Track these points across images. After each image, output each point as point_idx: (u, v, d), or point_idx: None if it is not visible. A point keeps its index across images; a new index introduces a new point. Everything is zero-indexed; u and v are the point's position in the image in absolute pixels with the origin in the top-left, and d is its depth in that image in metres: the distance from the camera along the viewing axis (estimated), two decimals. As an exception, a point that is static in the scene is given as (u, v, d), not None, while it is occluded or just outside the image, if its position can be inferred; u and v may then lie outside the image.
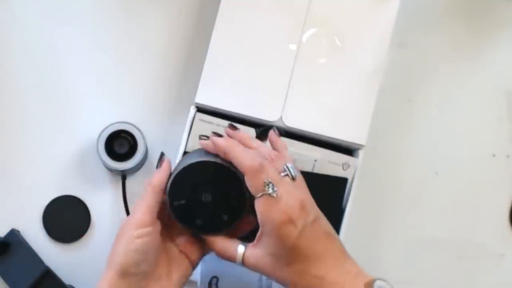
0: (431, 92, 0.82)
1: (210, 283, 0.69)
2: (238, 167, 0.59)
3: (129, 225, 0.59)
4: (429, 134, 0.82)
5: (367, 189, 0.77)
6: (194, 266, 0.63)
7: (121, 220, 0.76)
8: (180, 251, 0.63)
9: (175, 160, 0.70)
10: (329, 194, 0.70)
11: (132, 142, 0.75)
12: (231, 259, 0.60)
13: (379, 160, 0.80)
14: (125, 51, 0.80)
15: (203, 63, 0.72)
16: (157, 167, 0.62)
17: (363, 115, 0.72)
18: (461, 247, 0.81)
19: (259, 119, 0.71)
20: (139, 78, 0.80)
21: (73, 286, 0.75)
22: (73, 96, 0.79)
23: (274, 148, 0.64)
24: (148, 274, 0.59)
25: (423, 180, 0.81)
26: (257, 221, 0.59)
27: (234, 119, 0.71)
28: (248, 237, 0.62)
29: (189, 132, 0.71)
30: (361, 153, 0.72)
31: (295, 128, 0.71)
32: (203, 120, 0.71)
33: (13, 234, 0.75)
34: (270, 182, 0.57)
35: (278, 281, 0.59)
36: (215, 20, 0.72)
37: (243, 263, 0.60)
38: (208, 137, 0.62)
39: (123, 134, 0.75)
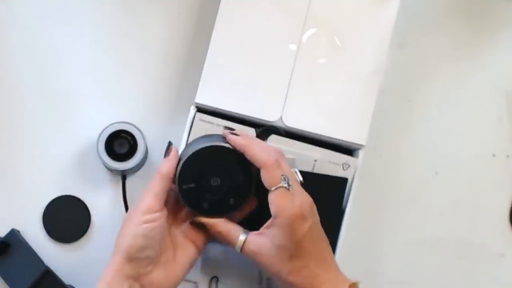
0: (431, 92, 0.82)
1: (210, 283, 0.69)
2: (255, 161, 0.61)
3: (137, 211, 0.61)
4: (429, 134, 0.82)
5: (367, 189, 0.77)
6: (199, 253, 0.65)
7: (121, 220, 0.77)
8: (186, 237, 0.64)
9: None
10: (329, 194, 0.70)
11: (132, 142, 0.75)
12: (230, 243, 0.63)
13: (379, 160, 0.80)
14: (125, 51, 0.80)
15: (203, 63, 0.72)
16: (165, 156, 0.64)
17: (363, 115, 0.72)
18: (461, 247, 0.81)
19: (259, 119, 0.71)
20: (139, 78, 0.80)
21: (73, 286, 0.75)
22: (73, 96, 0.79)
23: None
24: (154, 259, 0.61)
25: (423, 180, 0.81)
26: (256, 204, 0.65)
27: (234, 119, 0.71)
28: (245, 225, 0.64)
29: (189, 132, 0.71)
30: (361, 153, 0.72)
31: (295, 128, 0.71)
32: (203, 120, 0.71)
33: (13, 234, 0.75)
34: (287, 177, 0.60)
35: (273, 272, 0.61)
36: (215, 20, 0.72)
37: (241, 249, 0.62)
38: (231, 129, 0.66)
39: (123, 134, 0.75)
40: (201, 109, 0.72)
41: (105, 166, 0.76)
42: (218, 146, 0.64)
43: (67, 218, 0.77)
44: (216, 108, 0.71)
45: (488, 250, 0.81)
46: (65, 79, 0.79)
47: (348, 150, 0.73)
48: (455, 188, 0.81)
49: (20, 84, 0.79)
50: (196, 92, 0.71)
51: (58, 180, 0.78)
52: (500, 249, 0.81)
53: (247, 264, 0.64)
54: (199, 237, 0.65)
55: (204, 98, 0.71)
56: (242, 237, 0.62)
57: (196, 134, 0.70)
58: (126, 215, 0.63)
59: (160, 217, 0.61)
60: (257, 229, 0.63)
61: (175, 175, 0.64)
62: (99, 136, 0.74)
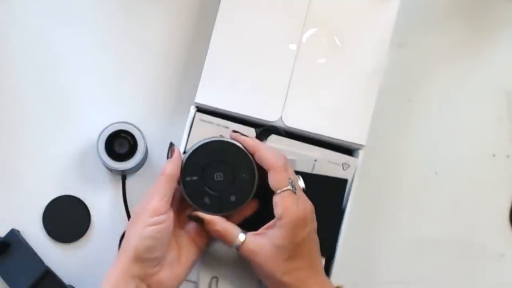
0: (431, 92, 0.82)
1: (210, 283, 0.69)
2: (265, 162, 0.63)
3: (144, 213, 0.61)
4: (429, 134, 0.82)
5: (367, 189, 0.77)
6: (201, 254, 0.66)
7: (121, 220, 0.77)
8: (189, 238, 0.65)
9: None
10: (329, 195, 0.70)
11: (132, 142, 0.75)
12: (228, 241, 0.63)
13: (379, 160, 0.80)
14: (125, 51, 0.80)
15: (203, 63, 0.72)
16: (167, 157, 0.65)
17: (363, 115, 0.72)
18: (461, 247, 0.81)
19: (259, 119, 0.71)
20: (139, 78, 0.80)
21: (73, 286, 0.75)
22: (73, 96, 0.79)
23: None
24: (161, 259, 0.62)
25: (423, 180, 0.81)
26: (257, 207, 0.66)
27: (234, 119, 0.71)
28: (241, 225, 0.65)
29: (189, 132, 0.71)
30: (361, 153, 0.72)
31: (295, 128, 0.71)
32: (203, 120, 0.71)
33: (13, 234, 0.75)
34: (293, 181, 0.63)
35: (268, 272, 0.62)
36: (215, 20, 0.72)
37: (239, 248, 0.63)
38: (239, 132, 0.67)
39: (123, 134, 0.75)
40: (201, 109, 0.72)
41: (105, 166, 0.76)
42: (226, 142, 0.65)
43: (67, 218, 0.77)
44: (216, 108, 0.71)
45: (488, 250, 0.81)
46: (65, 79, 0.79)
47: (348, 150, 0.73)
48: (455, 188, 0.81)
49: (20, 84, 0.79)
50: (196, 92, 0.71)
51: (58, 180, 0.78)
52: (500, 249, 0.81)
53: (247, 264, 0.64)
54: (202, 238, 0.66)
55: (204, 98, 0.71)
56: (241, 236, 0.63)
57: (196, 134, 0.70)
58: (132, 217, 0.63)
59: (167, 218, 0.62)
60: (253, 230, 0.64)
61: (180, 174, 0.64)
62: (99, 136, 0.74)
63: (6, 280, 0.74)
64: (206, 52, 0.72)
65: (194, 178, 0.64)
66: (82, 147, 0.78)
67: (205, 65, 0.72)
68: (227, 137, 0.66)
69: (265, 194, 0.64)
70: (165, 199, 0.62)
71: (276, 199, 0.62)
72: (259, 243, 0.62)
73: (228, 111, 0.71)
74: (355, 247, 0.78)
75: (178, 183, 0.64)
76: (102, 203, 0.78)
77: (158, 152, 0.79)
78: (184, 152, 0.66)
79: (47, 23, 0.80)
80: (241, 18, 0.73)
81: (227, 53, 0.72)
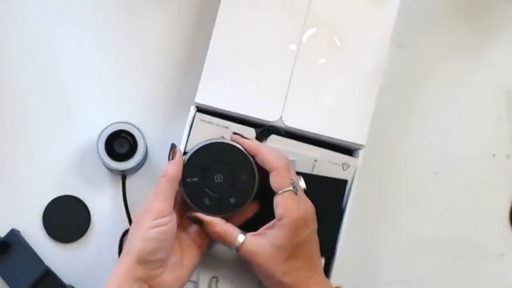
0: (431, 92, 0.82)
1: (210, 283, 0.69)
2: (267, 163, 0.63)
3: (148, 215, 0.61)
4: (429, 134, 0.82)
5: (367, 189, 0.77)
6: (203, 255, 0.66)
7: (121, 220, 0.77)
8: (191, 240, 0.65)
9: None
10: (329, 195, 0.70)
11: (132, 142, 0.75)
12: (227, 243, 0.63)
13: (379, 160, 0.80)
14: (125, 51, 0.80)
15: (203, 63, 0.72)
16: (169, 158, 0.65)
17: (363, 115, 0.72)
18: (461, 247, 0.81)
19: (259, 119, 0.71)
20: (139, 78, 0.80)
21: (73, 286, 0.75)
22: (73, 96, 0.79)
23: None
24: (164, 262, 0.62)
25: (423, 180, 0.81)
26: (257, 209, 0.66)
27: (234, 119, 0.71)
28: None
29: (189, 132, 0.71)
30: (361, 153, 0.72)
31: (295, 128, 0.71)
32: (203, 120, 0.71)
33: (13, 234, 0.75)
34: (294, 182, 0.63)
35: (268, 272, 0.62)
36: (215, 20, 0.72)
37: (238, 249, 0.63)
38: (239, 134, 0.67)
39: (123, 134, 0.75)
40: (201, 109, 0.72)
41: (105, 166, 0.76)
42: (227, 143, 0.65)
43: (67, 218, 0.77)
44: (216, 108, 0.71)
45: (488, 250, 0.81)
46: (65, 79, 0.79)
47: (348, 150, 0.73)
48: (455, 188, 0.81)
49: (20, 84, 0.79)
50: (196, 92, 0.71)
51: (58, 180, 0.78)
52: (500, 249, 0.81)
53: (247, 265, 0.65)
54: (203, 241, 0.66)
55: (204, 98, 0.71)
56: (240, 237, 0.63)
57: (196, 134, 0.70)
58: (135, 219, 0.63)
59: (170, 220, 0.62)
60: (253, 231, 0.64)
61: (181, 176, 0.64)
62: (99, 136, 0.74)
63: (6, 280, 0.74)
64: (206, 52, 0.72)
65: (195, 179, 0.64)
66: (82, 147, 0.78)
67: (205, 65, 0.72)
68: (228, 139, 0.66)
69: (265, 195, 0.64)
70: (168, 200, 0.62)
71: (277, 200, 0.62)
72: (258, 243, 0.62)
73: (228, 111, 0.71)
74: (355, 247, 0.78)
75: (179, 184, 0.64)
76: (102, 203, 0.78)
77: (158, 152, 0.79)
78: (185, 153, 0.66)
79: (47, 23, 0.80)
80: (241, 18, 0.73)
81: (227, 53, 0.72)
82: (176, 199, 0.64)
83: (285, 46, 0.73)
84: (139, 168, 0.78)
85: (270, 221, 0.63)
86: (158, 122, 0.79)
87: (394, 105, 0.81)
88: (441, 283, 0.80)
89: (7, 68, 0.79)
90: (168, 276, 0.62)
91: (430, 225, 0.81)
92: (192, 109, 0.72)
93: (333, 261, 0.69)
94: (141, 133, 0.75)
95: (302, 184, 0.65)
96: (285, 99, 0.72)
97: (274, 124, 0.71)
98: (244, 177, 0.64)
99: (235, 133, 0.67)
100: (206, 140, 0.66)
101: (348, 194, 0.71)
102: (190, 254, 0.65)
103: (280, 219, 0.61)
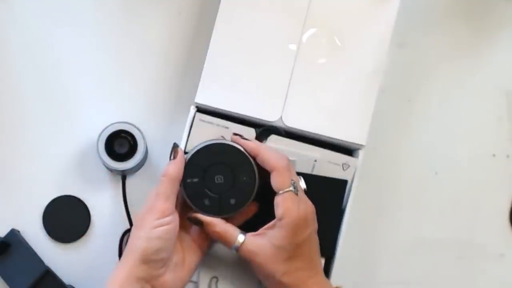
0: (431, 92, 0.82)
1: (210, 283, 0.69)
2: (268, 164, 0.63)
3: (150, 214, 0.61)
4: (429, 134, 0.82)
5: (367, 189, 0.77)
6: (204, 255, 0.66)
7: (121, 220, 0.77)
8: (193, 240, 0.66)
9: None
10: (329, 196, 0.70)
11: (132, 142, 0.75)
12: (227, 243, 0.63)
13: (379, 160, 0.80)
14: (125, 51, 0.80)
15: (203, 63, 0.72)
16: (170, 157, 0.65)
17: (363, 115, 0.72)
18: (461, 247, 0.81)
19: (259, 119, 0.71)
20: (139, 78, 0.80)
21: (73, 286, 0.75)
22: (73, 96, 0.79)
23: None
24: (166, 261, 0.62)
25: (423, 180, 0.81)
26: (257, 210, 0.66)
27: (234, 119, 0.71)
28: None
29: (189, 132, 0.71)
30: (361, 153, 0.72)
31: (295, 128, 0.71)
32: (203, 120, 0.71)
33: (13, 234, 0.75)
34: (295, 182, 0.63)
35: (267, 272, 0.62)
36: (215, 20, 0.72)
37: (238, 249, 0.63)
38: (240, 135, 0.67)
39: (123, 134, 0.75)
40: (201, 109, 0.72)
41: (105, 166, 0.76)
42: (227, 144, 0.65)
43: (67, 218, 0.77)
44: (216, 108, 0.71)
45: (488, 250, 0.81)
46: (65, 79, 0.79)
47: (348, 150, 0.73)
48: (455, 188, 0.81)
49: (20, 84, 0.79)
50: (196, 92, 0.71)
51: (58, 180, 0.78)
52: (500, 249, 0.81)
53: (247, 265, 0.65)
54: (204, 241, 0.66)
55: (204, 98, 0.71)
56: (240, 237, 0.63)
57: (196, 134, 0.70)
58: (136, 220, 0.63)
59: (173, 220, 0.62)
60: (253, 231, 0.64)
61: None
62: (99, 136, 0.74)
63: (6, 280, 0.74)
64: (206, 52, 0.72)
65: (195, 180, 0.65)
66: (82, 147, 0.78)
67: (205, 65, 0.72)
68: (228, 140, 0.66)
69: (266, 195, 0.64)
70: (170, 200, 0.62)
71: (277, 200, 0.62)
72: (258, 243, 0.62)
73: (228, 111, 0.71)
74: (355, 247, 0.78)
75: (181, 185, 0.64)
76: (102, 203, 0.78)
77: (158, 152, 0.79)
78: (185, 153, 0.66)
79: (47, 23, 0.80)
80: (241, 18, 0.73)
81: (227, 53, 0.72)
82: (177, 199, 0.64)
83: (285, 46, 0.73)
84: (139, 168, 0.78)
85: (270, 221, 0.63)
86: (158, 122, 0.79)
87: (394, 105, 0.81)
88: (441, 283, 0.80)
89: (7, 68, 0.79)
90: (169, 276, 0.62)
91: (430, 225, 0.81)
92: (192, 109, 0.71)
93: (333, 261, 0.69)
94: (141, 133, 0.75)
95: (302, 184, 0.65)
96: (285, 99, 0.72)
97: (274, 124, 0.71)
98: (244, 178, 0.65)
99: (235, 134, 0.67)
100: (207, 141, 0.66)
101: (348, 194, 0.71)
102: (191, 254, 0.65)
103: (280, 219, 0.61)
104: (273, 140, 0.70)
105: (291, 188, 0.62)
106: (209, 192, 0.65)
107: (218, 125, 0.71)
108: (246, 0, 0.73)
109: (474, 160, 0.82)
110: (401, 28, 0.76)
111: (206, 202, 0.64)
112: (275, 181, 0.63)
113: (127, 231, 0.77)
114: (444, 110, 0.82)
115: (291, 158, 0.68)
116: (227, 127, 0.70)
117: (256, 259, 0.62)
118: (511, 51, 0.84)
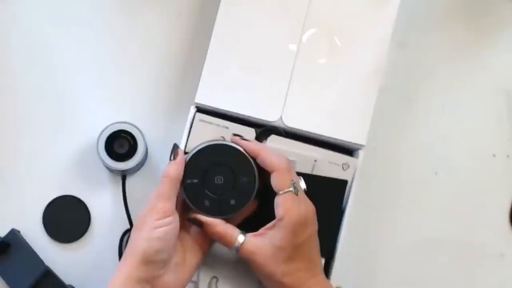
0: (431, 92, 0.82)
1: (210, 283, 0.69)
2: (268, 164, 0.63)
3: (151, 215, 0.61)
4: (429, 134, 0.82)
5: (367, 189, 0.76)
6: (205, 255, 0.66)
7: (121, 220, 0.77)
8: (193, 240, 0.66)
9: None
10: (329, 196, 0.70)
11: (132, 142, 0.75)
12: (227, 243, 0.63)
13: (379, 160, 0.80)
14: (125, 51, 0.80)
15: (203, 63, 0.72)
16: (170, 158, 0.65)
17: (363, 115, 0.72)
18: (461, 247, 0.81)
19: (259, 119, 0.71)
20: (139, 78, 0.80)
21: (73, 286, 0.75)
22: (73, 96, 0.79)
23: None
24: (167, 262, 0.62)
25: (423, 180, 0.81)
26: (256, 207, 0.66)
27: (234, 119, 0.71)
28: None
29: (189, 132, 0.71)
30: (361, 153, 0.72)
31: (295, 128, 0.71)
32: (203, 120, 0.71)
33: (13, 234, 0.75)
34: (295, 183, 0.63)
35: (267, 273, 0.62)
36: (215, 20, 0.72)
37: (238, 250, 0.63)
38: (240, 136, 0.67)
39: (123, 134, 0.75)
40: (201, 109, 0.72)
41: (105, 166, 0.76)
42: (228, 145, 0.65)
43: (67, 218, 0.77)
44: (216, 108, 0.71)
45: (488, 250, 0.81)
46: (65, 79, 0.79)
47: (348, 150, 0.73)
48: (455, 188, 0.81)
49: (20, 84, 0.79)
50: (196, 92, 0.71)
51: (58, 180, 0.78)
52: (500, 249, 0.81)
53: (247, 265, 0.65)
54: (205, 241, 0.66)
55: (204, 98, 0.71)
56: (241, 238, 0.63)
57: (196, 134, 0.70)
58: (137, 220, 0.63)
59: (174, 220, 0.62)
60: (253, 231, 0.64)
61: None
62: (99, 136, 0.74)
63: (6, 280, 0.74)
64: (206, 52, 0.72)
65: (195, 180, 0.65)
66: (82, 147, 0.78)
67: (205, 65, 0.72)
68: (228, 140, 0.67)
69: (266, 195, 0.64)
70: (170, 200, 0.62)
71: (277, 200, 0.62)
72: (258, 244, 0.62)
73: (228, 111, 0.71)
74: (355, 247, 0.78)
75: (179, 185, 0.64)
76: (102, 203, 0.78)
77: (158, 152, 0.79)
78: (185, 153, 0.66)
79: (47, 23, 0.80)
80: (241, 18, 0.73)
81: (227, 53, 0.72)
82: (177, 199, 0.64)
83: (285, 46, 0.73)
84: (139, 168, 0.78)
85: (270, 222, 0.63)
86: (158, 122, 0.79)
87: (394, 105, 0.81)
88: (441, 283, 0.80)
89: (7, 68, 0.79)
90: (170, 276, 0.62)
91: (430, 225, 0.81)
92: (192, 109, 0.71)
93: (333, 261, 0.69)
94: (141, 133, 0.75)
95: (302, 184, 0.65)
96: (285, 99, 0.72)
97: (274, 124, 0.71)
98: (244, 178, 0.65)
99: (235, 135, 0.67)
100: (207, 142, 0.66)
101: (348, 194, 0.71)
102: (191, 255, 0.65)
103: (280, 220, 0.61)
104: (273, 140, 0.70)
105: (291, 189, 0.62)
106: (209, 193, 0.65)
107: (218, 125, 0.71)
108: (246, 0, 0.73)
109: (474, 160, 0.82)
110: (401, 28, 0.77)
111: (206, 202, 0.64)
112: (275, 181, 0.63)
113: (127, 231, 0.77)
114: (444, 110, 0.82)
115: (291, 158, 0.68)
116: (227, 127, 0.70)
117: (256, 260, 0.62)
118: (511, 51, 0.84)
